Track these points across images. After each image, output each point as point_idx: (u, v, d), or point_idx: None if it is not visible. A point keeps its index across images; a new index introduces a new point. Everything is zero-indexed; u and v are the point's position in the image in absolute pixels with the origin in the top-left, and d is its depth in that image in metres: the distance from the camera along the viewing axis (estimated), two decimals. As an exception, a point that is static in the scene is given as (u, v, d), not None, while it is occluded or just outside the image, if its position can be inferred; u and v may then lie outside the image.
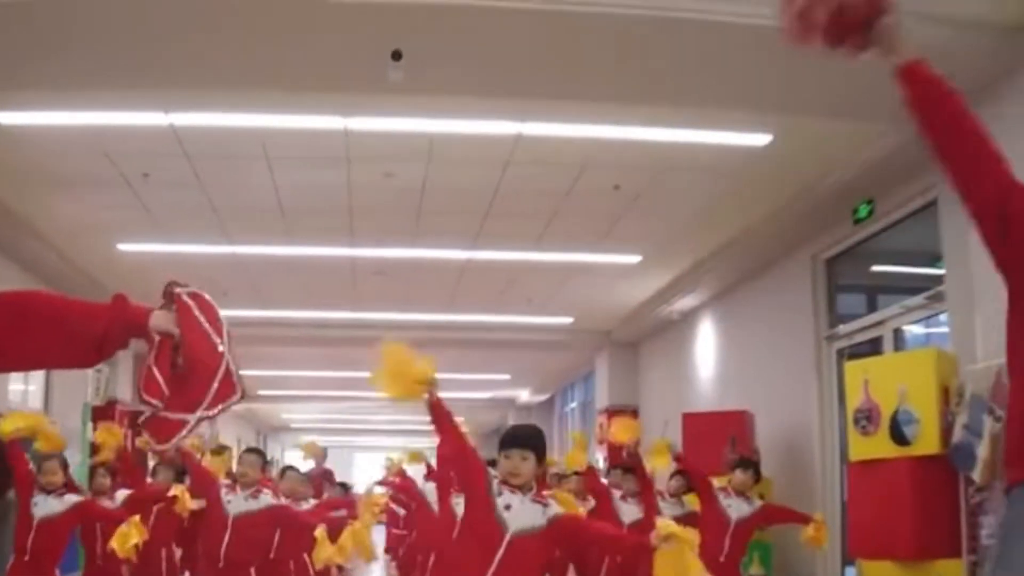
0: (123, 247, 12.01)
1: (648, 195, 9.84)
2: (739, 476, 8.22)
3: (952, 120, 2.47)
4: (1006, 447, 2.47)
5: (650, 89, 7.24)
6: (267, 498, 7.14)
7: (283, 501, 7.66)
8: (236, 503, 6.90)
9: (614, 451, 16.85)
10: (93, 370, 15.22)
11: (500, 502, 4.42)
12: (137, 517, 7.44)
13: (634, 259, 12.41)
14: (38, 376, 13.75)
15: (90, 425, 15.03)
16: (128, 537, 7.30)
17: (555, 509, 4.52)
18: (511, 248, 12.03)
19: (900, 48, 2.53)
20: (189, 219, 10.83)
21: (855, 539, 7.64)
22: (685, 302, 14.19)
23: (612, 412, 17.73)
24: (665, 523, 4.36)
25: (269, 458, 33.93)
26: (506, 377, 23.71)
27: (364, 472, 32.38)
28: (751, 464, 8.43)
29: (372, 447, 40.18)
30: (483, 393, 26.66)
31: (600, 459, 17.68)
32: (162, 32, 6.30)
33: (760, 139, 8.32)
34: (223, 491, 7.01)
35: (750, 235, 10.99)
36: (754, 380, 12.09)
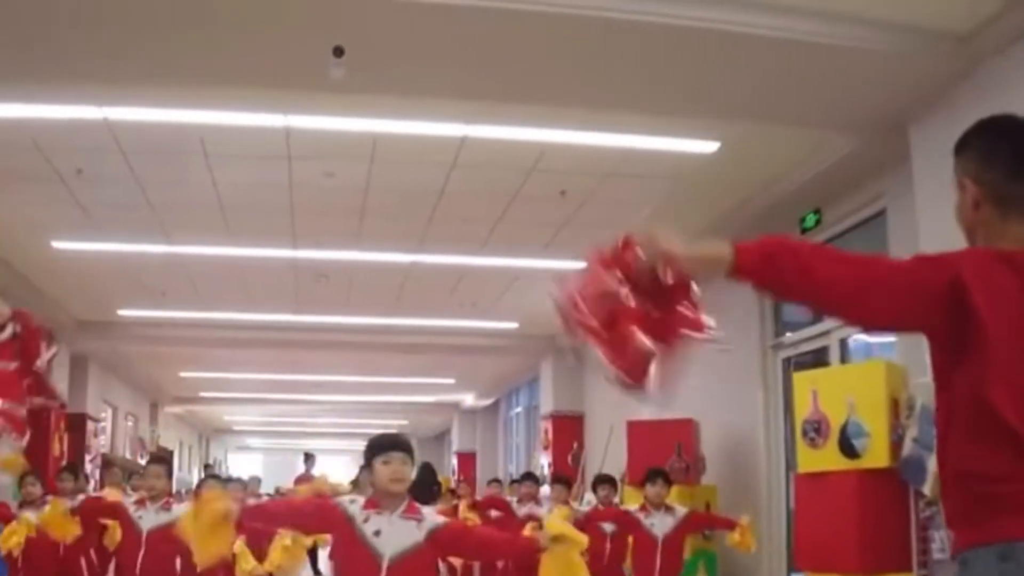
0: (59, 245, 11.69)
1: (594, 201, 9.72)
2: (650, 490, 8.05)
3: (824, 277, 2.22)
4: (945, 506, 2.33)
5: (598, 94, 7.12)
6: (180, 509, 6.94)
7: None
8: (147, 518, 6.70)
9: (559, 458, 16.84)
10: None
11: (368, 530, 4.20)
12: (29, 515, 7.65)
13: (580, 264, 12.25)
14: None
15: (23, 427, 14.63)
16: (14, 534, 7.59)
17: (432, 521, 4.33)
18: (456, 252, 11.87)
19: (712, 257, 2.31)
20: (126, 217, 10.54)
21: (802, 552, 7.54)
22: (632, 308, 14.07)
23: (557, 418, 17.66)
24: (554, 523, 4.26)
25: (212, 460, 33.64)
26: (451, 381, 23.54)
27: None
28: (659, 474, 8.21)
29: (317, 450, 39.73)
30: (427, 397, 26.47)
31: (545, 465, 17.64)
32: (95, 23, 6.07)
33: (708, 146, 8.24)
34: (132, 509, 6.81)
35: (696, 242, 10.89)
36: (700, 388, 11.97)
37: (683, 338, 2.23)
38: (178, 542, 6.80)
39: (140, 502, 6.87)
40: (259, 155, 8.72)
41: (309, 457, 23.56)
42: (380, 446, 4.38)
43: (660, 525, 7.77)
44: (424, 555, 4.26)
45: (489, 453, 26.33)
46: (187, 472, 29.81)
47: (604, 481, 9.67)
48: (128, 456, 22.11)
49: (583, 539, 4.31)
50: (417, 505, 4.36)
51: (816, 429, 6.81)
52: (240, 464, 41.37)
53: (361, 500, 4.32)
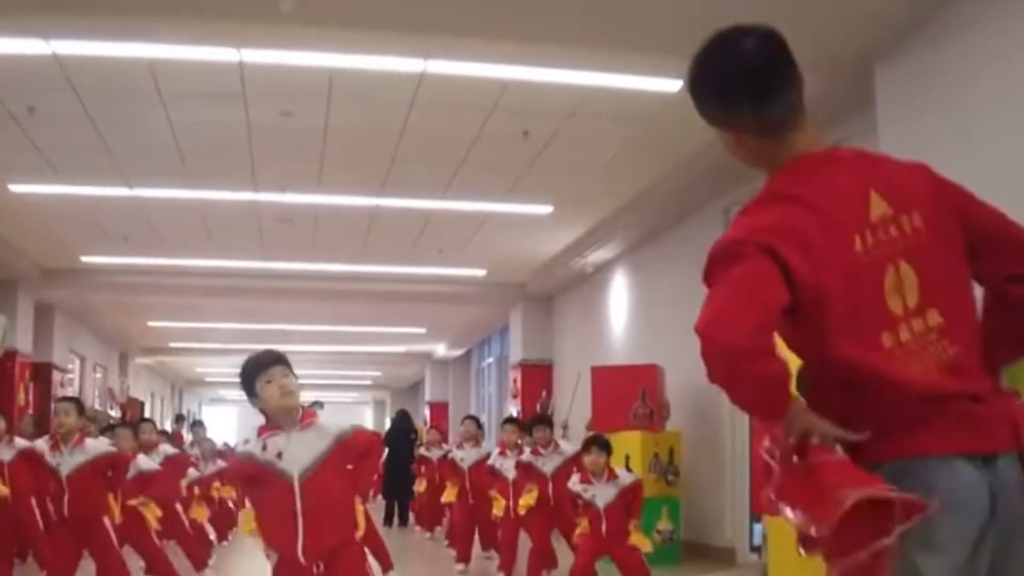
0: (16, 189, 11.47)
1: (558, 142, 9.59)
2: (587, 459, 7.74)
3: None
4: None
5: (559, 29, 6.98)
6: (95, 445, 6.84)
7: (112, 448, 7.28)
8: (64, 461, 6.57)
9: (527, 407, 16.82)
10: (-10, 320, 14.68)
11: (270, 456, 4.06)
12: None
13: (546, 209, 12.18)
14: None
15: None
16: None
17: (333, 428, 4.20)
18: (419, 196, 11.72)
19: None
20: (82, 159, 10.32)
21: (760, 496, 7.51)
22: (598, 255, 14.01)
23: (526, 367, 17.62)
24: None
25: (184, 412, 33.52)
26: (422, 331, 23.46)
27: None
28: (594, 441, 7.96)
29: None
30: (399, 347, 26.40)
31: (514, 413, 17.62)
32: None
33: (671, 84, 8.08)
34: (46, 456, 6.68)
35: (662, 186, 10.82)
36: (665, 334, 11.97)
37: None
38: (100, 481, 6.73)
39: (54, 446, 6.71)
40: (213, 92, 8.53)
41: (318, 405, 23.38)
42: (257, 366, 4.21)
43: (602, 496, 7.58)
44: (333, 462, 4.13)
45: (461, 403, 26.35)
46: (160, 423, 29.67)
47: (540, 422, 9.60)
48: (98, 408, 21.96)
49: None
50: (313, 413, 4.23)
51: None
52: (214, 416, 41.26)
53: (254, 434, 4.19)
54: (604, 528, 7.46)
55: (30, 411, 15.62)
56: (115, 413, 22.96)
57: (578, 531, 7.78)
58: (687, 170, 10.13)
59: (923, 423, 2.04)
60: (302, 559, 4.02)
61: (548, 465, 8.90)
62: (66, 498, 6.50)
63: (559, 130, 9.30)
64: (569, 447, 9.25)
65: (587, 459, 7.71)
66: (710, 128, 8.07)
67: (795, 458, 2.16)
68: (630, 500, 7.65)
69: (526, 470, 9.08)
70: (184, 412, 37.34)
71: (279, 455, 4.05)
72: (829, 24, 6.71)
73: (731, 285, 2.17)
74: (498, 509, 9.63)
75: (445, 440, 16.36)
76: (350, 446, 4.21)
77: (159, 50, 7.63)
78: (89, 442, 6.81)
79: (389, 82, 8.25)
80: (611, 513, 7.49)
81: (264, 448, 4.09)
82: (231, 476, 4.48)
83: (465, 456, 11.10)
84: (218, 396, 46.05)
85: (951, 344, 2.13)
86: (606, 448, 7.78)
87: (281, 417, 4.14)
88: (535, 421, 9.78)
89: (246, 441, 4.20)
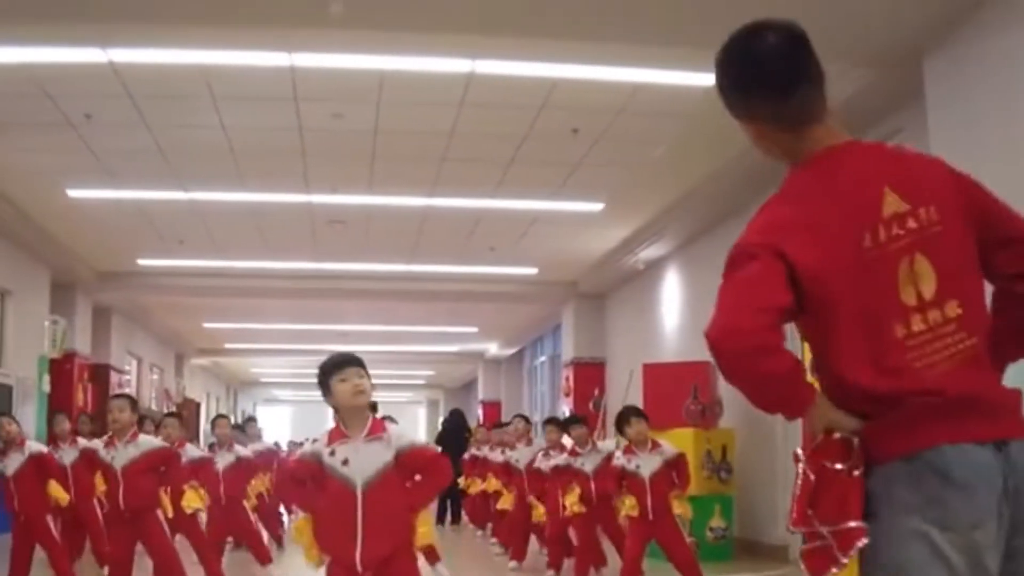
0: (74, 193, 11.68)
1: (608, 139, 9.60)
2: (628, 431, 7.68)
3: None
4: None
5: (607, 26, 7.00)
6: (149, 441, 7.03)
7: (164, 443, 7.58)
8: (119, 455, 6.72)
9: (579, 405, 16.82)
10: (49, 322, 14.93)
11: (336, 462, 4.15)
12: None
13: (597, 207, 12.18)
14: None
15: (46, 377, 14.78)
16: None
17: (399, 441, 4.25)
18: (470, 195, 11.78)
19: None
20: (138, 163, 10.50)
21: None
22: (650, 252, 13.99)
23: (578, 365, 17.62)
24: None
25: (240, 412, 33.63)
26: (474, 330, 23.54)
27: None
28: (632, 412, 7.89)
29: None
30: (451, 346, 26.50)
31: (567, 411, 17.63)
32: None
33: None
34: (101, 452, 6.82)
35: (713, 182, 10.78)
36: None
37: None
38: (154, 474, 6.91)
39: (108, 442, 6.86)
40: (266, 96, 8.66)
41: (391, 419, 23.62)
42: (333, 365, 4.28)
43: (647, 465, 7.56)
44: (395, 474, 4.19)
45: (514, 402, 26.38)
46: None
47: (572, 422, 9.55)
48: (154, 408, 22.27)
49: None
50: (381, 422, 4.30)
51: (826, 364, 6.71)
52: (269, 416, 41.66)
53: (322, 437, 4.26)
54: (650, 502, 7.39)
55: (86, 411, 15.86)
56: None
57: (623, 512, 7.68)
58: (738, 165, 10.07)
59: (940, 416, 2.10)
60: (359, 567, 4.09)
61: (588, 464, 8.84)
62: (121, 491, 6.62)
63: (609, 127, 9.31)
64: (607, 444, 9.23)
65: (630, 431, 7.66)
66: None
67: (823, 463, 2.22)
68: (675, 473, 7.62)
69: (563, 472, 9.03)
70: (241, 413, 37.84)
71: (345, 462, 4.14)
72: (877, 17, 6.68)
73: (734, 288, 2.24)
74: (537, 516, 9.69)
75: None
76: (412, 460, 4.27)
77: (212, 56, 7.77)
78: (142, 437, 6.96)
79: (438, 82, 8.32)
80: (656, 484, 7.43)
81: (332, 453, 4.16)
82: (290, 475, 4.51)
83: (519, 456, 11.17)
84: (272, 396, 46.49)
85: (969, 335, 2.18)
86: (643, 416, 7.77)
87: (351, 417, 4.22)
88: (570, 420, 9.70)
89: (314, 441, 4.27)
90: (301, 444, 17.46)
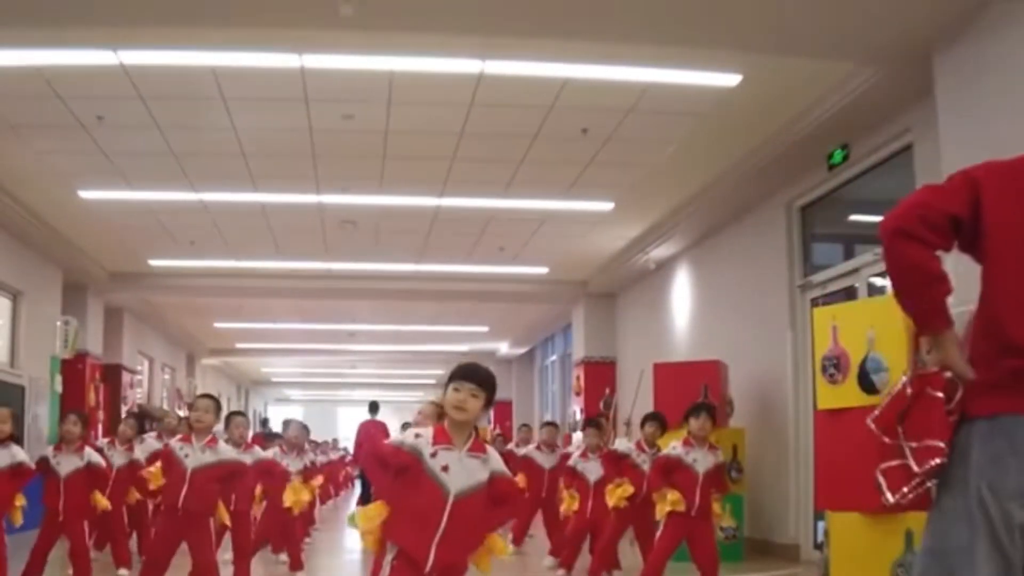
0: (85, 195, 11.73)
1: (617, 139, 9.60)
2: (693, 424, 7.61)
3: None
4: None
5: (617, 26, 7.00)
6: (225, 450, 6.96)
7: (241, 456, 7.57)
8: (193, 456, 6.70)
9: (590, 404, 16.82)
10: (61, 322, 14.99)
11: (436, 464, 4.19)
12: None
13: (607, 206, 12.18)
14: (3, 329, 13.53)
15: (59, 377, 14.83)
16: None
17: (494, 464, 4.31)
18: (480, 195, 11.78)
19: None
20: (149, 165, 10.54)
21: (823, 491, 7.44)
22: (661, 251, 13.98)
23: (589, 364, 17.62)
24: None
25: (252, 411, 33.76)
26: (484, 329, 23.55)
27: (348, 427, 32.06)
28: (703, 408, 7.82)
29: (355, 401, 39.75)
30: (461, 346, 26.50)
31: (577, 411, 17.64)
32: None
33: (730, 79, 8.08)
34: (176, 447, 6.81)
35: (724, 181, 10.78)
36: (728, 330, 11.93)
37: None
38: (218, 483, 6.89)
39: (185, 438, 6.84)
40: (276, 97, 8.67)
41: (375, 407, 23.60)
42: (456, 374, 4.34)
43: (703, 462, 7.57)
44: (484, 494, 4.27)
45: (525, 401, 26.40)
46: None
47: (647, 419, 9.38)
48: (165, 407, 22.33)
49: None
50: (482, 442, 4.33)
51: (835, 365, 6.70)
52: (281, 416, 41.72)
53: (427, 433, 4.29)
54: (697, 496, 7.39)
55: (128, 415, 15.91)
56: (183, 413, 23.32)
57: (665, 507, 7.65)
58: (748, 165, 10.09)
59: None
60: (428, 567, 4.14)
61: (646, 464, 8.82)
62: (184, 491, 6.56)
63: (618, 127, 9.31)
64: (620, 443, 9.24)
65: (694, 424, 7.61)
66: (771, 120, 8.10)
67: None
68: (719, 476, 7.65)
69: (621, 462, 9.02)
70: (264, 417, 37.92)
71: (445, 468, 4.19)
72: (887, 16, 6.67)
73: (923, 190, 2.67)
74: (567, 509, 9.69)
75: (507, 440, 16.41)
76: (499, 486, 4.32)
77: (223, 57, 7.80)
78: (221, 445, 6.92)
79: (448, 83, 8.33)
80: (706, 482, 7.46)
81: (434, 455, 4.21)
82: (381, 458, 4.50)
83: (546, 462, 11.29)
84: (283, 396, 46.58)
85: None
86: (713, 416, 7.77)
87: (455, 426, 4.28)
88: (646, 418, 9.65)
89: (417, 435, 4.28)
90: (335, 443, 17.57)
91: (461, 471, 4.20)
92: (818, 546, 9.57)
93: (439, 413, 6.54)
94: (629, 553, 9.49)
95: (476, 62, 7.91)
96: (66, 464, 7.84)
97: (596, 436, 10.02)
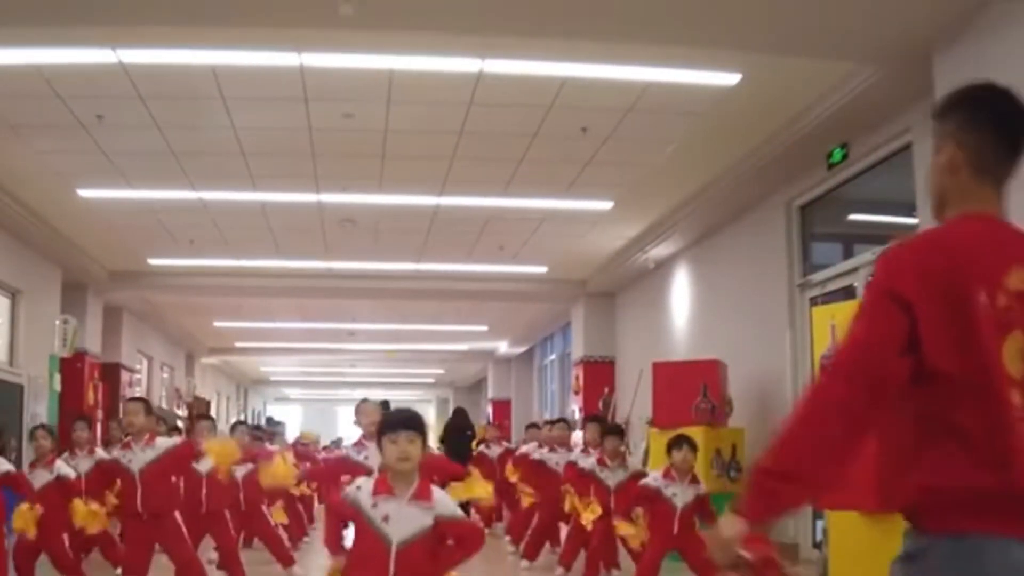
0: (85, 194, 11.73)
1: (617, 138, 9.60)
2: (676, 456, 7.52)
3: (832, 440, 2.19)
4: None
5: (616, 25, 7.00)
6: (165, 442, 7.01)
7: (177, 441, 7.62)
8: (136, 458, 6.73)
9: (589, 403, 16.82)
10: (60, 321, 14.98)
11: (377, 515, 4.18)
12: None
13: (606, 205, 12.19)
14: (2, 328, 13.53)
15: (58, 376, 14.83)
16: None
17: (442, 509, 4.27)
18: (479, 194, 11.79)
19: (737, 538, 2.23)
20: (149, 164, 10.54)
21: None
22: (660, 250, 13.99)
23: (588, 363, 17.62)
24: None
25: (251, 411, 33.73)
26: (484, 329, 23.54)
27: (348, 426, 32.08)
28: (684, 440, 7.67)
29: (355, 400, 39.63)
30: (461, 345, 26.51)
31: (576, 410, 17.64)
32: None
33: (729, 78, 8.08)
34: (120, 456, 6.82)
35: (723, 180, 10.78)
36: (727, 329, 11.93)
37: None
38: (171, 476, 6.96)
39: (125, 445, 6.87)
40: (276, 97, 8.68)
41: (386, 407, 23.68)
42: (387, 425, 4.34)
43: (682, 496, 7.46)
44: (430, 538, 4.24)
45: (524, 400, 26.41)
46: (225, 422, 30.09)
47: (611, 432, 9.33)
48: (164, 407, 22.34)
49: None
50: (430, 488, 4.30)
51: (835, 363, 6.70)
52: (279, 415, 41.73)
53: (369, 484, 4.29)
54: (676, 524, 7.41)
55: (96, 411, 15.93)
56: (182, 412, 23.36)
57: (635, 532, 7.70)
58: (747, 164, 10.10)
59: (988, 506, 2.08)
60: None
61: (612, 479, 8.80)
62: (139, 494, 6.64)
63: (618, 126, 9.32)
64: (633, 462, 9.17)
65: (677, 456, 7.54)
66: (771, 119, 8.07)
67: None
68: (703, 508, 7.58)
69: (587, 479, 8.99)
70: (251, 411, 37.89)
71: (385, 518, 4.18)
72: (886, 15, 6.67)
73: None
74: (570, 507, 9.64)
75: (507, 438, 16.42)
76: (451, 529, 4.31)
77: (222, 57, 7.80)
78: (159, 440, 6.96)
79: (447, 82, 8.34)
80: (685, 516, 7.43)
81: (374, 506, 4.20)
82: (335, 512, 4.60)
83: (559, 460, 11.20)
84: (283, 395, 46.57)
85: None
86: (695, 448, 7.65)
87: (395, 477, 4.27)
88: (608, 431, 9.59)
89: (358, 488, 4.29)
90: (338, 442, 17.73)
91: (402, 520, 4.17)
92: (817, 545, 9.57)
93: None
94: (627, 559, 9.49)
95: (475, 61, 7.91)
96: (38, 479, 7.87)
97: (596, 431, 9.91)
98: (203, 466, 8.50)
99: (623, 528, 7.85)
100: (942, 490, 2.12)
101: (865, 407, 2.16)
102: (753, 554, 2.20)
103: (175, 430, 11.27)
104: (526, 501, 11.13)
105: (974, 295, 2.12)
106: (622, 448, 9.23)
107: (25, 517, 7.40)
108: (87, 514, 7.49)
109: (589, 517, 8.66)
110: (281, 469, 7.93)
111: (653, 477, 7.75)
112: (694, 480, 7.62)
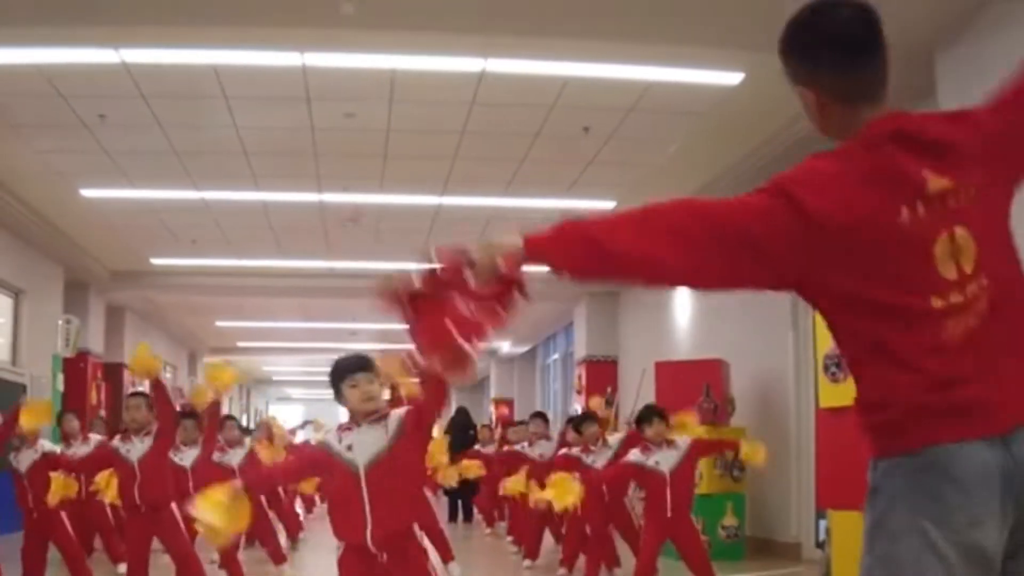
0: (87, 193, 11.74)
1: (619, 137, 9.61)
2: (648, 431, 7.46)
3: (615, 247, 2.13)
4: None
5: (619, 24, 7.01)
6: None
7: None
8: (134, 448, 6.73)
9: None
10: (63, 321, 14.99)
11: (342, 448, 4.24)
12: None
13: (608, 205, 12.17)
14: (4, 327, 13.55)
15: (60, 376, 14.84)
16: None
17: (395, 419, 4.26)
18: (482, 194, 11.79)
19: (505, 249, 2.23)
20: (151, 163, 10.55)
21: (824, 489, 7.46)
22: (662, 250, 13.94)
23: (591, 363, 17.62)
24: None
25: (254, 410, 33.78)
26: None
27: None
28: (653, 413, 7.79)
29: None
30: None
31: (578, 409, 17.61)
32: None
33: (732, 77, 8.08)
34: (118, 446, 6.83)
35: (725, 180, 10.77)
36: (730, 328, 11.92)
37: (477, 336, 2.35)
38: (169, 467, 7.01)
39: (124, 436, 6.88)
40: (278, 96, 8.69)
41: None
42: (344, 370, 4.34)
43: (665, 461, 7.49)
44: (397, 455, 4.23)
45: (527, 399, 26.39)
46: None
47: (584, 421, 9.35)
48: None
49: None
50: (386, 410, 4.33)
51: (837, 363, 6.72)
52: (282, 415, 41.70)
53: (333, 428, 4.36)
54: (669, 497, 7.30)
55: (101, 411, 15.93)
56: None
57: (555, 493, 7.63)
58: (750, 164, 10.09)
59: (939, 413, 2.05)
60: (370, 546, 4.16)
61: (599, 460, 8.78)
62: (137, 484, 6.63)
63: (620, 125, 9.32)
64: (614, 439, 9.16)
65: (650, 431, 7.46)
66: (773, 119, 8.06)
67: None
68: (696, 460, 7.57)
69: (571, 462, 8.97)
70: (254, 411, 37.87)
71: (349, 447, 4.23)
72: (887, 14, 6.61)
73: None
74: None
75: (505, 438, 16.40)
76: (407, 424, 4.29)
77: (225, 56, 7.80)
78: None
79: (449, 81, 8.34)
80: (677, 479, 7.29)
81: (339, 440, 4.27)
82: (299, 463, 4.63)
83: (544, 451, 11.18)
84: (285, 394, 46.58)
85: (992, 312, 2.10)
86: (664, 417, 7.61)
87: (361, 418, 4.30)
88: (583, 419, 9.59)
89: (327, 432, 4.36)
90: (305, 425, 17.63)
91: (363, 443, 4.22)
92: (820, 545, 9.57)
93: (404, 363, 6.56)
94: (628, 553, 9.47)
95: (478, 61, 7.92)
96: (24, 459, 7.86)
97: (592, 425, 9.90)
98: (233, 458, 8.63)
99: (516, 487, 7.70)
100: (884, 407, 2.09)
101: (700, 244, 2.09)
102: (507, 269, 2.21)
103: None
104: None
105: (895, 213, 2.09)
106: (597, 430, 9.20)
107: (61, 484, 7.60)
108: (62, 484, 7.61)
109: (541, 498, 8.53)
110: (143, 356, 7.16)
111: (632, 454, 7.69)
112: (670, 443, 7.47)
